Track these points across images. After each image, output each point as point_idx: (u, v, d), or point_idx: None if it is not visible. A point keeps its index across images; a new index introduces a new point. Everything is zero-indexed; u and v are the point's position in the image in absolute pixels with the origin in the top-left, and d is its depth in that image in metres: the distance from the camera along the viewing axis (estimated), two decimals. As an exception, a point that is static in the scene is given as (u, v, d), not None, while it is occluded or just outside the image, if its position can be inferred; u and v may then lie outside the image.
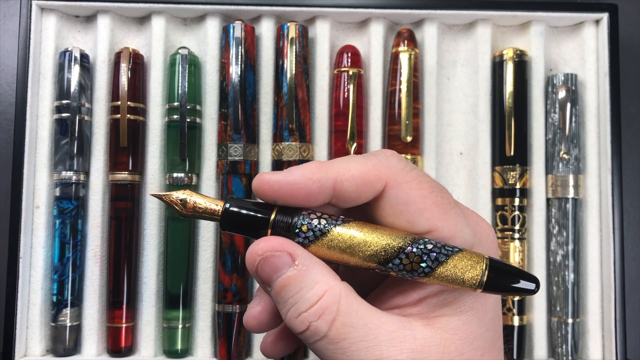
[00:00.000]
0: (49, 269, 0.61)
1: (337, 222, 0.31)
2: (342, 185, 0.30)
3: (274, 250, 0.30)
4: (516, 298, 0.61)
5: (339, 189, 0.30)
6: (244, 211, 0.31)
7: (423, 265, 0.30)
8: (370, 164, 0.31)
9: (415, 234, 0.31)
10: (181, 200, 0.33)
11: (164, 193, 0.33)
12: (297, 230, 0.31)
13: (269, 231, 0.31)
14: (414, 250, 0.30)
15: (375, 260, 0.30)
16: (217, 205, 0.32)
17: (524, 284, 0.30)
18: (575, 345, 0.61)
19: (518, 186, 0.62)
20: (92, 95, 0.62)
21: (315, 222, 0.31)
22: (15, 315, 0.58)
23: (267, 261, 0.30)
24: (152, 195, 0.37)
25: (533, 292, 0.31)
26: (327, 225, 0.31)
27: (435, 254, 0.30)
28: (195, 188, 0.61)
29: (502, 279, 0.30)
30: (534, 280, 0.31)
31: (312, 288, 0.30)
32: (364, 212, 0.33)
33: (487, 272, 0.30)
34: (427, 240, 0.30)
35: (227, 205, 0.32)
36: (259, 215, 0.31)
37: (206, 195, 0.33)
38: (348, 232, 0.30)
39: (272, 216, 0.31)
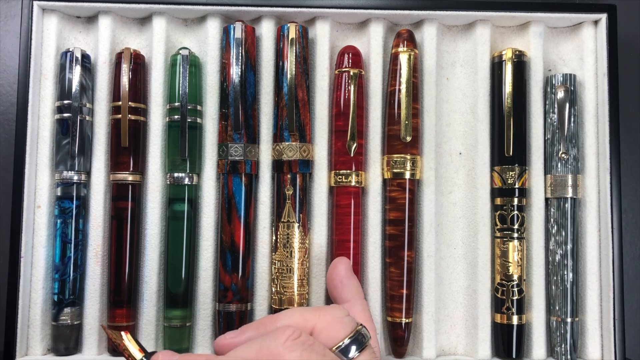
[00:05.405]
0: (50, 269, 0.61)
1: None
2: None
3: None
4: (515, 297, 0.61)
5: None
6: None
7: None
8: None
9: None
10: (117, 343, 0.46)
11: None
12: None
13: None
14: None
15: None
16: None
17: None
18: (574, 344, 0.61)
19: (517, 186, 0.62)
20: (93, 96, 0.63)
21: None
22: (16, 314, 0.58)
23: None
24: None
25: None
26: None
27: None
28: (195, 188, 0.62)
29: None
30: None
31: None
32: None
33: None
34: None
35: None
36: None
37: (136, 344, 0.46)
38: None
39: None
